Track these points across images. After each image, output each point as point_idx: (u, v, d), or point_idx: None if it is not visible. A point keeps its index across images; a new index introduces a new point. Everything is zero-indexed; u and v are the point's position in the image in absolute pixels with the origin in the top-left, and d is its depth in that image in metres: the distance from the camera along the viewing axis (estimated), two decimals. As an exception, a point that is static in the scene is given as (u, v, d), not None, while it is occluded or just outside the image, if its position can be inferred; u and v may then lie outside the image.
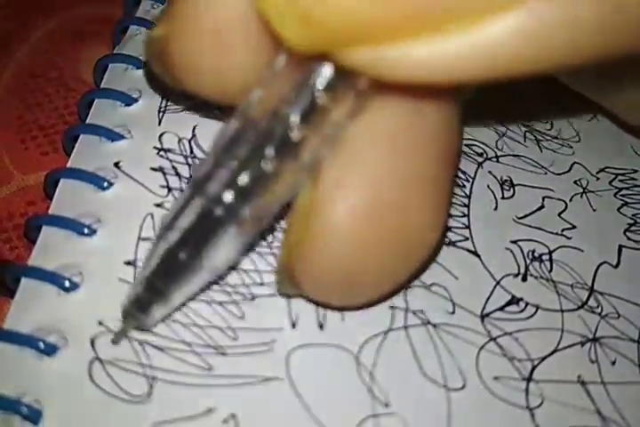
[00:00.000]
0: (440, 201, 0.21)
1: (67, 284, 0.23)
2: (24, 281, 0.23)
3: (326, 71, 0.18)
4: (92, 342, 0.22)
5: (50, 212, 0.25)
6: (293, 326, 0.24)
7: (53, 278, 0.23)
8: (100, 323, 0.23)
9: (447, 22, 0.15)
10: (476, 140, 0.30)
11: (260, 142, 0.19)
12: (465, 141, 0.30)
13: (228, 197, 0.19)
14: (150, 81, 0.29)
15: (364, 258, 0.21)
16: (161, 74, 0.23)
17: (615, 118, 0.32)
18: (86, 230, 0.24)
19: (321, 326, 0.24)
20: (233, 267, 0.24)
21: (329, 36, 0.16)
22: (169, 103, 0.28)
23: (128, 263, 0.24)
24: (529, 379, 0.24)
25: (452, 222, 0.27)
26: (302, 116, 0.19)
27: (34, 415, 0.21)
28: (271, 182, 0.20)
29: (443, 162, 0.21)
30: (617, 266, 0.28)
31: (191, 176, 0.20)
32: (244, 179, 0.19)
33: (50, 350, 0.22)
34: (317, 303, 0.24)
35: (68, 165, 0.26)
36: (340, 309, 0.24)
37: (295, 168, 0.20)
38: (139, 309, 0.21)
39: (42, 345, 0.22)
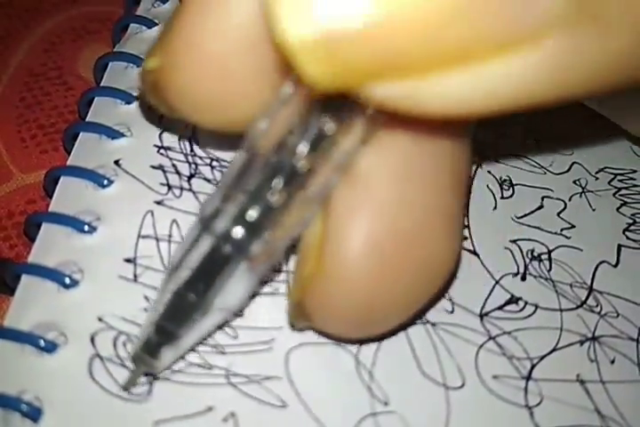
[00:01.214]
0: (454, 228, 0.21)
1: (67, 281, 0.23)
2: (24, 278, 0.23)
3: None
4: (92, 339, 0.22)
5: (50, 209, 0.25)
6: (292, 325, 0.24)
7: (53, 275, 0.23)
8: (100, 319, 0.23)
9: (485, 52, 0.14)
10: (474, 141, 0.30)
11: (267, 174, 0.19)
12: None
13: (238, 233, 0.19)
14: (145, 113, 0.28)
15: (380, 290, 0.20)
16: (157, 105, 0.23)
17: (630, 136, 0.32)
18: (86, 228, 0.24)
19: (320, 326, 0.24)
20: (241, 310, 0.23)
21: (356, 74, 0.15)
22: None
23: (128, 261, 0.24)
24: (528, 378, 0.24)
25: (451, 222, 0.27)
26: (311, 146, 0.18)
27: (34, 413, 0.21)
28: (281, 215, 0.19)
29: (455, 190, 0.21)
30: (616, 265, 0.28)
31: (199, 213, 0.20)
32: (252, 214, 0.19)
33: (50, 347, 0.22)
34: (332, 337, 0.23)
35: (68, 162, 0.26)
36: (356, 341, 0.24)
37: (305, 199, 0.19)
38: (149, 352, 0.21)
39: (42, 343, 0.22)
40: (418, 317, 0.24)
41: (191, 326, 0.20)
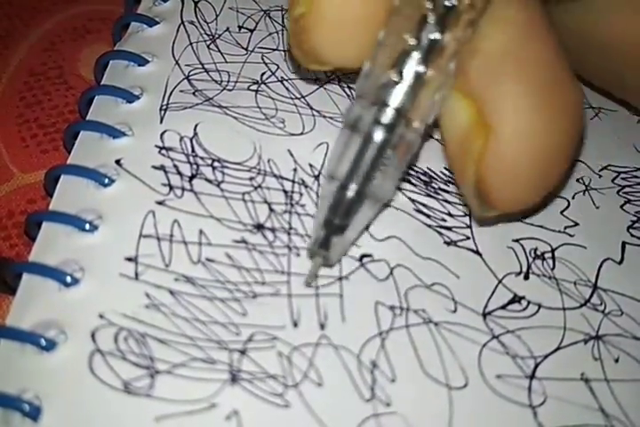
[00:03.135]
0: (574, 79, 0.24)
1: (68, 279, 0.23)
2: (25, 277, 0.23)
3: None
4: (93, 335, 0.22)
5: (50, 208, 0.25)
6: (295, 324, 0.24)
7: (54, 274, 0.23)
8: (101, 316, 0.23)
9: None
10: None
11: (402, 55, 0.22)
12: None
13: (381, 129, 0.22)
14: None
15: (540, 142, 0.23)
16: (302, 57, 0.25)
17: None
18: (87, 226, 0.24)
19: (322, 326, 0.24)
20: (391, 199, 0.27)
21: None
22: (171, 101, 0.28)
23: (129, 259, 0.24)
24: (531, 377, 0.24)
25: (453, 222, 0.27)
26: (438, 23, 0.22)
27: (34, 412, 0.21)
28: (417, 103, 0.22)
29: (560, 46, 0.24)
30: (621, 262, 0.28)
31: (345, 120, 0.23)
32: (390, 111, 0.22)
33: (50, 345, 0.22)
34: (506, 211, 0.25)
35: (69, 161, 0.26)
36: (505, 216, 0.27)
37: (437, 81, 0.22)
38: (322, 246, 0.24)
39: (43, 342, 0.22)
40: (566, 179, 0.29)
41: (353, 217, 0.23)
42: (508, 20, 0.23)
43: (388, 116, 0.22)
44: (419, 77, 0.22)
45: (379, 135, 0.22)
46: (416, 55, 0.22)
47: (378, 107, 0.22)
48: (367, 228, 0.26)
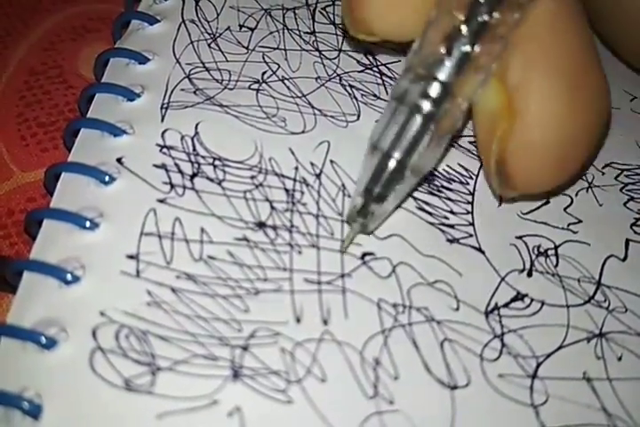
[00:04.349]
0: (602, 69, 0.25)
1: (69, 277, 0.23)
2: (26, 275, 0.23)
3: None
4: (94, 333, 0.22)
5: (51, 205, 0.25)
6: (298, 320, 0.24)
7: (55, 272, 0.23)
8: (102, 314, 0.22)
9: None
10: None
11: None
12: (467, 139, 0.30)
13: (427, 102, 0.23)
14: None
15: (565, 128, 0.24)
16: (352, 24, 0.26)
17: None
18: (88, 224, 0.24)
19: (325, 322, 0.24)
20: (432, 172, 0.28)
21: None
22: (172, 100, 0.28)
23: (130, 257, 0.24)
24: (534, 376, 0.24)
25: (455, 220, 0.27)
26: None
27: (34, 410, 0.21)
28: (459, 81, 0.23)
29: (590, 37, 0.25)
30: (624, 259, 0.28)
31: (392, 94, 0.25)
32: (436, 87, 0.23)
33: (51, 343, 0.22)
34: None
35: (69, 158, 0.26)
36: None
37: (479, 63, 0.23)
38: (361, 213, 0.25)
39: (43, 340, 0.22)
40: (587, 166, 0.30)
41: (393, 187, 0.24)
42: (538, 6, 0.24)
43: (435, 89, 0.23)
44: (466, 55, 0.23)
45: (426, 107, 0.23)
46: (465, 33, 0.23)
47: (425, 81, 0.23)
48: (404, 200, 0.27)
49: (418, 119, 0.24)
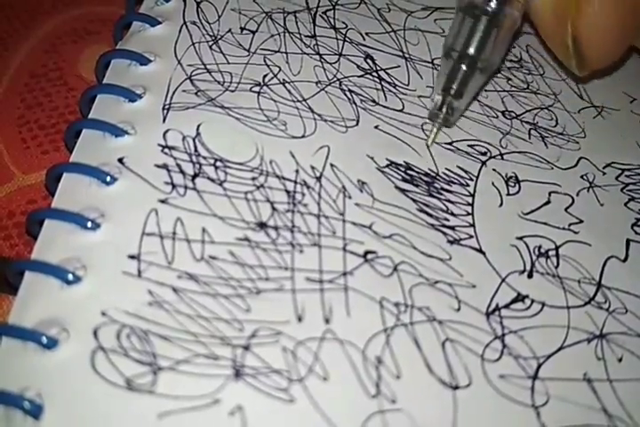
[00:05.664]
0: None
1: (70, 277, 0.23)
2: (27, 275, 0.23)
3: None
4: (95, 333, 0.22)
5: (53, 206, 0.25)
6: (299, 319, 0.24)
7: (56, 272, 0.23)
8: (104, 314, 0.22)
9: None
10: (479, 141, 0.30)
11: None
12: (467, 142, 0.30)
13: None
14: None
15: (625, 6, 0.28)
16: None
17: None
18: (90, 224, 0.24)
19: (327, 321, 0.24)
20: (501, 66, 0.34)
21: None
22: (173, 101, 0.28)
23: (132, 257, 0.24)
24: (534, 377, 0.24)
25: (455, 221, 0.27)
26: None
27: (35, 410, 0.21)
28: None
29: None
30: (625, 260, 0.28)
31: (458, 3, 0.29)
32: None
33: (52, 343, 0.22)
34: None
35: (71, 159, 0.26)
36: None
37: None
38: (441, 109, 0.29)
39: (45, 339, 0.22)
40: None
41: (467, 83, 0.29)
42: None
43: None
44: None
45: (490, 8, 0.28)
46: None
47: None
48: (476, 97, 0.32)
49: (484, 20, 0.28)
